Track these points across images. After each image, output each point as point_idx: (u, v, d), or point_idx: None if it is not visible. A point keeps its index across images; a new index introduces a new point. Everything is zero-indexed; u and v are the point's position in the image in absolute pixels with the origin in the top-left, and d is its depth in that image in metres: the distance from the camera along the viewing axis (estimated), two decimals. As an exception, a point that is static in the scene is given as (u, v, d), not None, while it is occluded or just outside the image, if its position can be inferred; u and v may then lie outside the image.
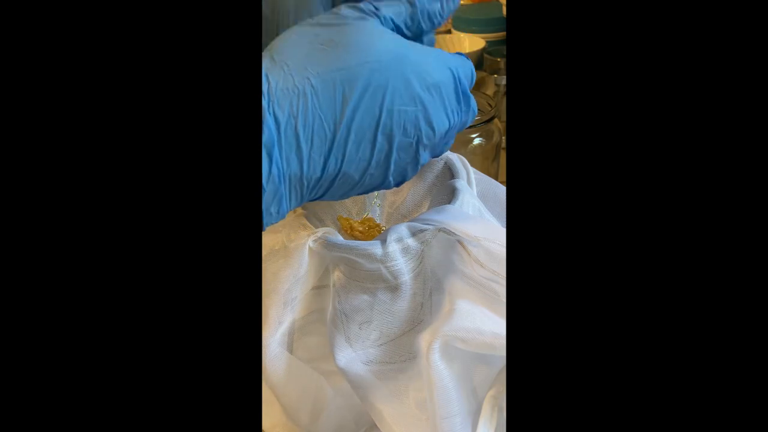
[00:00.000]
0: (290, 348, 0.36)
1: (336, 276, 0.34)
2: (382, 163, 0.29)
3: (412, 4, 0.31)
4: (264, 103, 0.26)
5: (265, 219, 0.28)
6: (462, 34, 0.85)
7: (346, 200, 0.43)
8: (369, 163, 0.29)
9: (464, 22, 0.86)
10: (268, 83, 0.27)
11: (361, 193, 0.31)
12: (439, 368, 0.31)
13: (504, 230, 0.34)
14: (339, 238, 0.34)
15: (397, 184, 0.32)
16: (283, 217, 0.29)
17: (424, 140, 0.30)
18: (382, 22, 0.30)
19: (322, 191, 0.29)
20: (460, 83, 0.31)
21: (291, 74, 0.27)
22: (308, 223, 0.35)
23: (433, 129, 0.30)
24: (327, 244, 0.33)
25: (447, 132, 0.31)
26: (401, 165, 0.30)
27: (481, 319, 0.31)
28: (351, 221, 0.41)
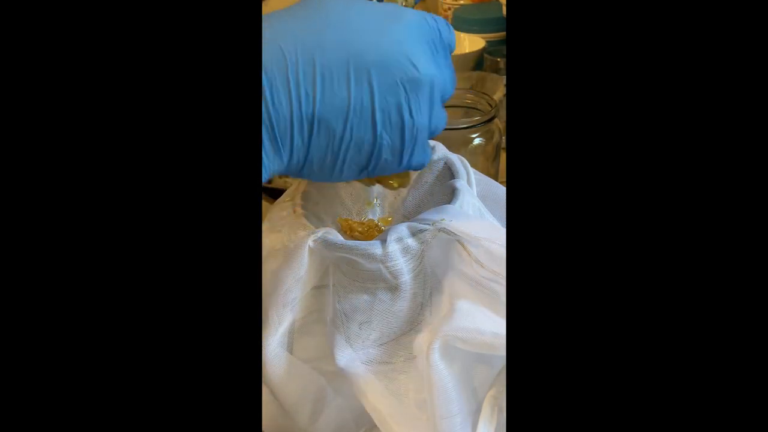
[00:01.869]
0: (290, 348, 0.36)
1: (336, 276, 0.34)
2: (365, 108, 0.27)
3: None
4: None
5: None
6: (462, 34, 0.85)
7: (346, 200, 0.43)
8: (348, 105, 0.27)
9: (464, 22, 0.86)
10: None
11: (362, 168, 0.29)
12: (439, 368, 0.31)
13: (504, 230, 0.34)
14: (339, 238, 0.34)
15: (398, 148, 0.29)
16: (267, 173, 0.27)
17: (410, 78, 0.28)
18: None
19: (303, 145, 0.27)
20: (440, 33, 0.29)
21: (275, 40, 0.26)
22: (308, 223, 0.35)
23: (416, 67, 0.28)
24: (327, 244, 0.33)
25: (433, 79, 0.29)
26: (390, 111, 0.28)
27: (481, 319, 0.31)
28: (350, 222, 0.41)
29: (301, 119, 0.27)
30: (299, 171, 0.29)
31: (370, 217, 0.43)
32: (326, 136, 0.27)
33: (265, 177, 0.27)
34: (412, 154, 0.31)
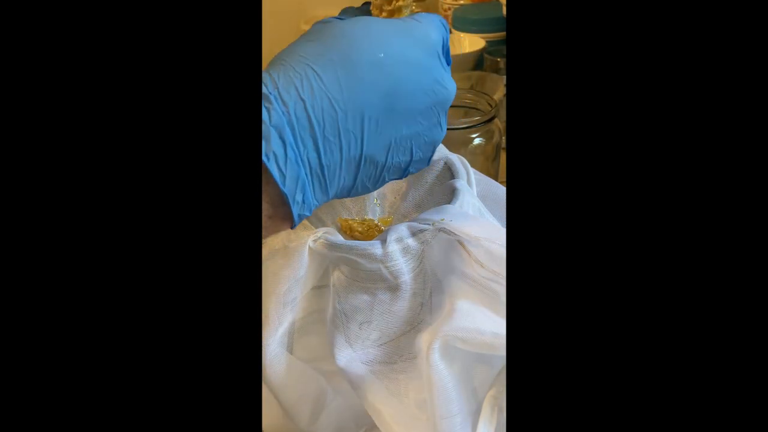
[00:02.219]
0: (290, 348, 0.36)
1: (336, 276, 0.34)
2: (404, 136, 0.30)
3: None
4: (269, 92, 0.27)
5: (294, 209, 0.28)
6: (462, 34, 0.85)
7: (347, 200, 0.43)
8: (391, 139, 0.29)
9: (464, 22, 0.86)
10: (271, 77, 0.27)
11: (394, 178, 0.31)
12: (439, 368, 0.31)
13: (504, 230, 0.34)
14: (339, 238, 0.34)
15: (428, 159, 0.31)
16: (311, 210, 0.28)
17: (441, 100, 0.30)
18: None
19: (350, 180, 0.29)
20: (444, 40, 0.31)
21: (291, 66, 0.28)
22: (308, 223, 0.35)
23: (445, 87, 0.30)
24: (327, 244, 0.33)
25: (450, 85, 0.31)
26: (426, 133, 0.30)
27: (481, 319, 0.31)
28: (350, 222, 0.41)
29: (350, 161, 0.29)
30: (342, 197, 0.31)
31: (370, 216, 0.43)
32: (370, 169, 0.30)
33: (308, 213, 0.29)
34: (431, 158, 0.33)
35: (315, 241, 0.33)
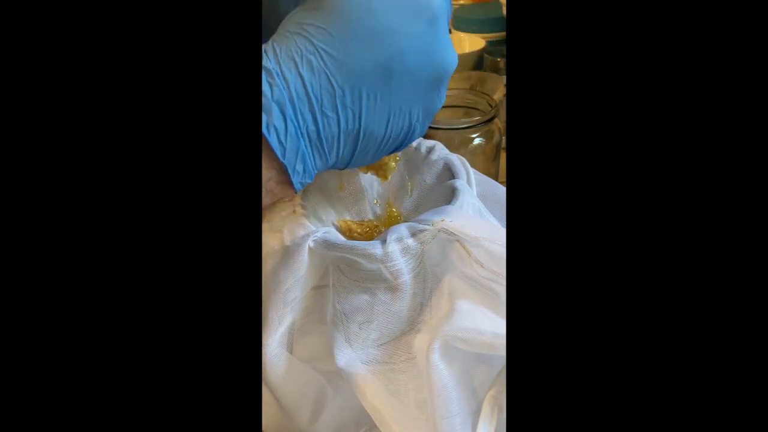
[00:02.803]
0: (290, 348, 0.36)
1: (336, 276, 0.34)
2: (404, 110, 0.30)
3: None
4: (272, 67, 0.27)
5: (294, 178, 0.28)
6: (462, 34, 0.85)
7: (347, 200, 0.43)
8: (389, 113, 0.29)
9: (464, 22, 0.86)
10: (273, 51, 0.28)
11: (392, 150, 0.31)
12: (439, 368, 0.31)
13: (504, 230, 0.34)
14: (339, 238, 0.34)
15: (423, 126, 0.31)
16: (311, 177, 0.29)
17: (440, 74, 0.30)
18: None
19: (348, 151, 0.30)
20: (448, 7, 0.31)
21: (293, 38, 0.28)
22: (308, 223, 0.35)
23: (445, 61, 0.30)
24: (327, 244, 0.33)
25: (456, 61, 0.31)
26: (424, 105, 0.30)
27: (481, 319, 0.31)
28: (350, 223, 0.41)
29: (348, 134, 0.29)
30: (342, 167, 0.31)
31: (369, 217, 0.43)
32: (369, 141, 0.30)
33: (309, 179, 0.29)
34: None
35: (315, 241, 0.33)
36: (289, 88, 0.27)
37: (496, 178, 0.58)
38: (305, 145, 0.28)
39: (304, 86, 0.27)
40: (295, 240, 0.34)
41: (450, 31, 0.93)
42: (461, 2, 0.94)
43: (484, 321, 0.31)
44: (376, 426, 0.34)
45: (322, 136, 0.28)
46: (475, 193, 0.39)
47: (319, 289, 0.36)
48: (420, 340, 0.32)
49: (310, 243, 0.33)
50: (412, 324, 0.34)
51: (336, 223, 0.42)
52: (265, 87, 0.27)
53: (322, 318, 0.36)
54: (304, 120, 0.28)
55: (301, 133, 0.28)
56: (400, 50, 0.29)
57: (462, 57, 0.80)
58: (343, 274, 0.34)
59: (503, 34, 0.84)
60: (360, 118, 0.29)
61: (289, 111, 0.27)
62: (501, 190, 0.42)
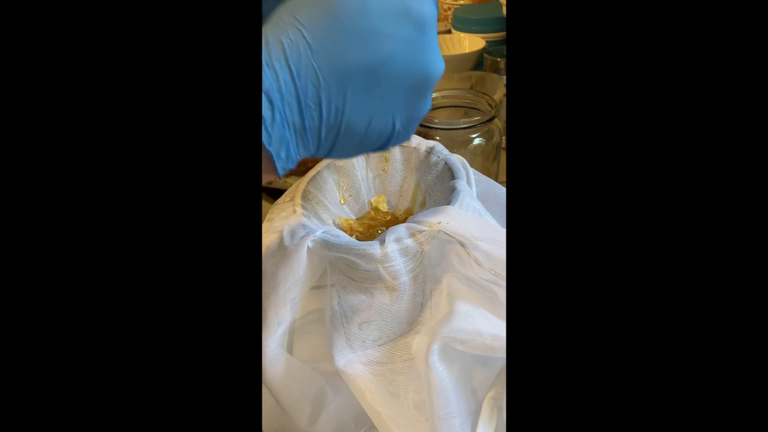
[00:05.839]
0: (289, 348, 0.36)
1: (335, 276, 0.34)
2: (387, 111, 0.30)
3: None
4: (264, 56, 0.27)
5: (278, 164, 0.29)
6: (462, 34, 0.85)
7: (346, 200, 0.43)
8: (371, 112, 0.30)
9: (464, 22, 0.86)
10: (266, 40, 0.28)
11: (374, 149, 0.32)
12: (437, 370, 0.31)
13: (504, 231, 0.33)
14: (338, 238, 0.34)
15: (407, 131, 0.32)
16: (294, 163, 0.30)
17: (427, 80, 0.30)
18: None
19: (329, 143, 0.30)
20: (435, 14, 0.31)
21: (286, 29, 0.28)
22: (308, 223, 0.35)
23: (432, 69, 0.30)
24: (326, 244, 0.33)
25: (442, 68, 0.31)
26: (408, 110, 0.31)
27: (480, 320, 0.31)
28: (350, 221, 0.41)
29: (329, 127, 0.29)
30: (324, 156, 0.32)
31: (370, 216, 0.43)
32: (350, 137, 0.30)
33: (293, 165, 0.30)
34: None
35: (314, 241, 0.33)
36: (278, 78, 0.28)
37: (496, 178, 0.58)
38: (290, 134, 0.29)
39: (292, 78, 0.28)
40: (295, 240, 0.34)
41: (449, 31, 0.93)
42: (461, 2, 0.94)
43: (484, 323, 0.31)
44: (375, 426, 0.34)
45: (306, 126, 0.29)
46: (474, 194, 0.39)
47: (318, 289, 0.36)
48: (419, 342, 0.32)
49: (309, 243, 0.33)
50: (411, 325, 0.34)
51: (337, 221, 0.41)
52: None
53: (321, 318, 0.36)
54: (291, 110, 0.28)
55: (287, 123, 0.28)
56: (389, 53, 0.29)
57: (462, 57, 0.80)
58: (342, 275, 0.34)
59: (503, 34, 0.84)
60: (342, 114, 0.29)
61: (277, 100, 0.28)
62: (501, 191, 0.42)
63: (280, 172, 0.29)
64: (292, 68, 0.28)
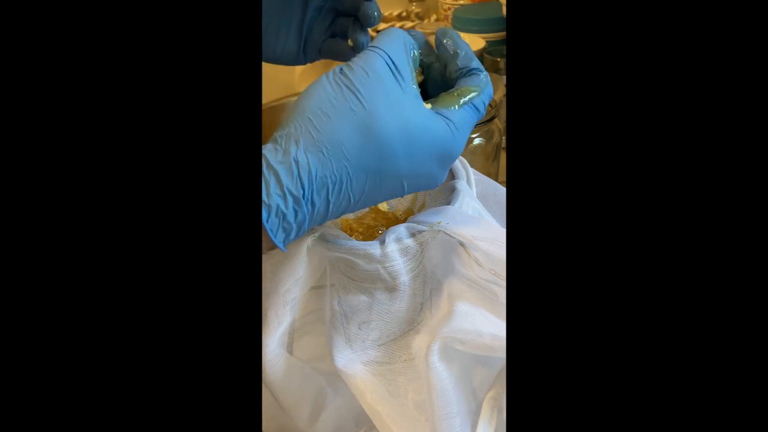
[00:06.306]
0: (289, 348, 0.36)
1: (335, 276, 0.34)
2: (396, 193, 0.31)
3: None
4: (300, 194, 0.28)
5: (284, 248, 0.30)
6: (462, 34, 0.85)
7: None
8: (381, 198, 0.31)
9: (464, 22, 0.86)
10: (309, 171, 0.28)
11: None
12: (438, 370, 0.31)
13: (504, 231, 0.33)
14: (338, 238, 0.34)
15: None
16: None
17: (439, 180, 0.32)
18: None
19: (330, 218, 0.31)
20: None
21: (330, 160, 0.29)
22: (308, 223, 0.35)
23: (438, 177, 0.32)
24: (326, 244, 0.33)
25: None
26: (418, 184, 0.32)
27: (480, 321, 0.31)
28: (350, 222, 0.41)
29: (337, 214, 0.30)
30: None
31: (370, 217, 0.43)
32: (365, 206, 0.31)
33: (291, 239, 0.30)
34: None
35: (314, 240, 0.33)
36: (313, 212, 0.29)
37: (496, 178, 0.58)
38: (296, 234, 0.30)
39: (328, 207, 0.29)
40: (294, 240, 0.34)
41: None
42: (461, 2, 0.94)
43: (484, 323, 0.31)
44: (375, 426, 0.34)
45: (312, 219, 0.30)
46: (474, 194, 0.39)
47: (318, 289, 0.36)
48: (419, 341, 0.32)
49: (308, 243, 0.33)
50: (411, 324, 0.34)
51: (337, 221, 0.41)
52: (290, 215, 0.28)
53: (321, 318, 0.36)
54: (313, 222, 0.30)
55: (303, 230, 0.30)
56: (413, 187, 0.31)
57: (462, 57, 0.80)
58: (342, 275, 0.34)
59: (503, 34, 0.84)
60: (364, 203, 0.30)
61: (305, 226, 0.29)
62: (501, 191, 0.42)
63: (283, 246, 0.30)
64: (331, 201, 0.29)
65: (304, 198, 0.28)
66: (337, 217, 0.30)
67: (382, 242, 0.32)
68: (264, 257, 0.35)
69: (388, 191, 0.30)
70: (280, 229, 0.28)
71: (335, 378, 0.35)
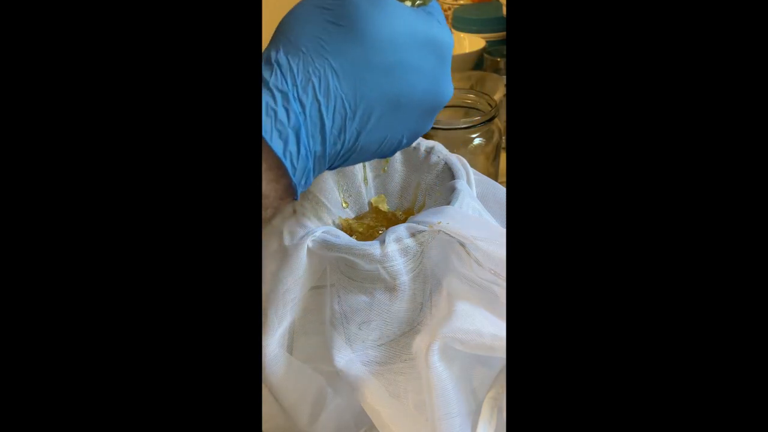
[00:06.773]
0: (289, 348, 0.36)
1: (335, 276, 0.34)
2: (397, 133, 0.31)
3: None
4: (288, 89, 0.28)
5: (298, 190, 0.30)
6: (462, 34, 0.85)
7: (347, 200, 0.43)
8: (386, 135, 0.31)
9: (464, 22, 0.86)
10: (290, 70, 0.28)
11: (379, 157, 0.33)
12: (438, 370, 0.31)
13: (504, 231, 0.33)
14: (338, 239, 0.34)
15: (410, 143, 0.33)
16: (308, 185, 0.31)
17: (438, 101, 0.32)
18: None
19: (341, 161, 0.31)
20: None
21: (311, 57, 0.28)
22: (308, 223, 0.35)
23: (446, 90, 0.32)
24: (326, 245, 0.33)
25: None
26: (418, 131, 0.32)
27: (480, 321, 0.31)
28: (350, 222, 0.41)
29: (347, 151, 0.30)
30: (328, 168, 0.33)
31: (369, 217, 0.43)
32: (361, 155, 0.32)
33: (305, 188, 0.30)
34: None
35: (314, 241, 0.33)
36: (304, 112, 0.28)
37: (496, 178, 0.58)
38: (311, 163, 0.29)
39: (320, 111, 0.28)
40: (295, 240, 0.34)
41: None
42: (461, 2, 0.94)
43: (484, 323, 0.31)
44: (375, 426, 0.34)
45: (327, 153, 0.29)
46: (474, 194, 0.39)
47: (318, 289, 0.36)
48: (419, 342, 0.32)
49: (308, 243, 0.33)
50: (411, 324, 0.34)
51: (337, 221, 0.41)
52: (281, 113, 0.27)
53: (321, 318, 0.36)
54: (314, 141, 0.29)
55: (310, 153, 0.29)
56: (412, 84, 0.30)
57: (462, 57, 0.80)
58: (342, 275, 0.34)
59: (503, 34, 0.84)
60: (360, 137, 0.30)
61: (303, 135, 0.28)
62: (501, 191, 0.42)
63: (298, 197, 0.30)
64: (320, 101, 0.28)
65: (291, 95, 0.27)
66: (340, 138, 0.30)
67: (382, 242, 0.32)
68: (264, 257, 0.35)
69: (381, 90, 0.29)
70: (275, 131, 0.27)
71: (335, 378, 0.35)
